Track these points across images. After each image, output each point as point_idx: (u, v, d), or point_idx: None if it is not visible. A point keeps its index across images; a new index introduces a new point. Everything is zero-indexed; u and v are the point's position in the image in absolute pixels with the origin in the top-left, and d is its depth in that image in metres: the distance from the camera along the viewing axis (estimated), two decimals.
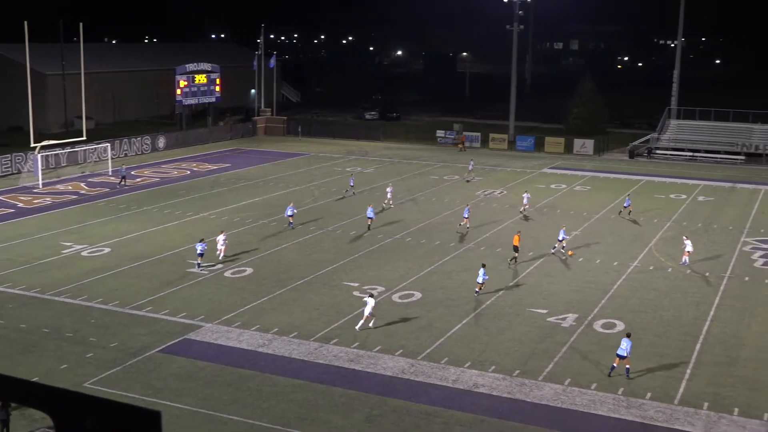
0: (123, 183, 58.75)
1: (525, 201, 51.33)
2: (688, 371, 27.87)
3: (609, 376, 27.18)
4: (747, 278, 38.71)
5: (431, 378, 27.17)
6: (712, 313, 33.83)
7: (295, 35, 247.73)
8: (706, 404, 25.45)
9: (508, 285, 37.09)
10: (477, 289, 35.19)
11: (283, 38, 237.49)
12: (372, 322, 31.32)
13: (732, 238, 46.37)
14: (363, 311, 31.52)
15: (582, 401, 25.59)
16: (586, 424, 24.19)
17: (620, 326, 31.97)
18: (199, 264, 38.53)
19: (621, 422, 24.34)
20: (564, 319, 32.78)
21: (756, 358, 29.14)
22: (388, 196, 53.29)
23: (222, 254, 39.78)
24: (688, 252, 40.00)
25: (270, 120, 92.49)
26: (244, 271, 38.64)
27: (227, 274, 38.24)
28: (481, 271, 35.05)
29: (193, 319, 32.23)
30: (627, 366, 27.18)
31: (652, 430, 23.86)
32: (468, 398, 25.76)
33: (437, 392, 26.14)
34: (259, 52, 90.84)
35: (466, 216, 46.84)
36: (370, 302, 31.31)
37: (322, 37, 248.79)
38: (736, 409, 25.10)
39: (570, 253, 41.41)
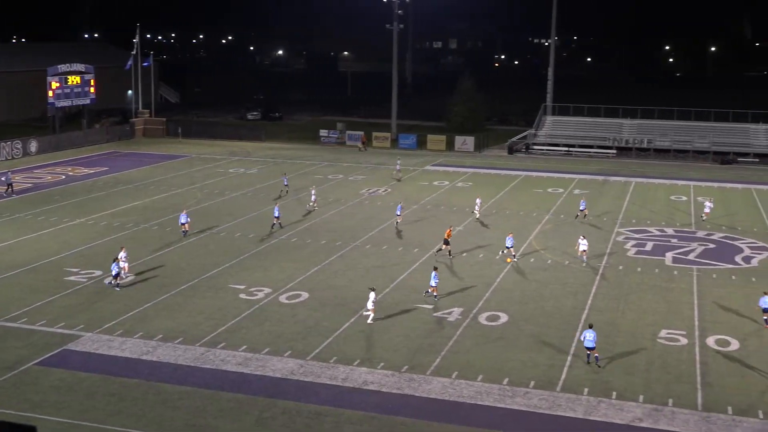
0: (9, 190, 55.50)
1: (477, 206, 50.59)
2: (569, 359, 28.84)
3: (588, 363, 28.07)
4: (621, 267, 40.38)
5: (321, 378, 27.13)
6: (589, 302, 35.13)
7: (173, 35, 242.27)
8: (586, 390, 26.40)
9: (394, 282, 37.42)
10: (430, 291, 34.63)
11: (160, 38, 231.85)
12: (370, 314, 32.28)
13: (606, 229, 48.28)
14: (367, 305, 32.28)
15: (469, 393, 26.09)
16: (473, 415, 24.69)
17: (504, 318, 32.78)
18: (117, 285, 35.76)
19: (507, 411, 24.96)
20: (450, 313, 33.34)
21: (631, 343, 30.42)
22: (312, 198, 52.58)
23: (126, 272, 37.07)
24: (584, 251, 40.62)
25: (149, 121, 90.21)
26: (126, 277, 37.52)
27: (107, 281, 37.04)
28: (433, 273, 34.73)
29: (72, 329, 31.08)
30: (596, 354, 28.03)
31: (536, 418, 24.58)
32: (358, 396, 25.86)
33: (327, 392, 26.13)
34: (135, 52, 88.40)
35: (399, 213, 47.94)
36: (372, 296, 32.13)
37: (201, 36, 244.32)
38: (614, 393, 26.15)
39: (508, 260, 40.75)
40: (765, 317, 32.03)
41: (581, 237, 41.61)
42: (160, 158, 73.61)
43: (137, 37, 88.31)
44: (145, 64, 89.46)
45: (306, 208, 52.02)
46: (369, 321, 32.05)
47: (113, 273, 35.82)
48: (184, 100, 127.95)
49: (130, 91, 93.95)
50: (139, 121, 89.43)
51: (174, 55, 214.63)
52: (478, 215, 50.28)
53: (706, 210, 50.43)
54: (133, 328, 31.25)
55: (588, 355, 28.22)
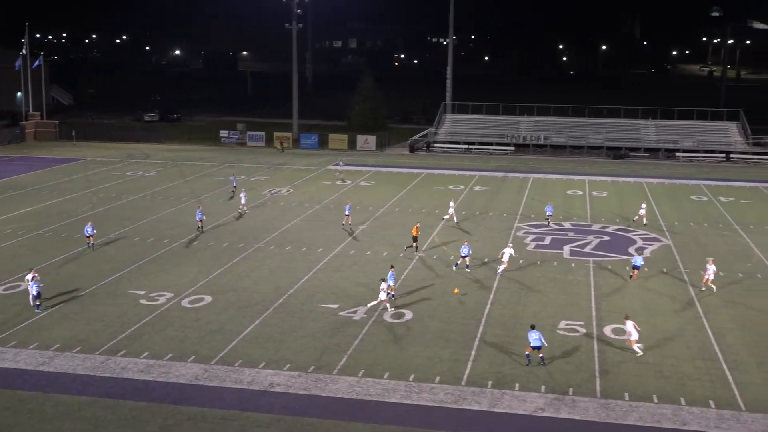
0: None
1: (451, 210, 49.11)
2: (473, 353, 29.30)
3: (527, 365, 28.13)
4: (522, 261, 41.28)
5: (226, 382, 26.76)
6: (491, 296, 35.77)
7: (64, 35, 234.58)
8: (490, 382, 26.88)
9: (299, 282, 37.24)
10: (390, 292, 34.12)
11: (50, 37, 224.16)
12: (381, 305, 33.38)
13: (506, 225, 49.28)
14: (379, 296, 33.05)
15: (376, 391, 26.20)
16: (380, 412, 24.80)
17: (409, 315, 33.02)
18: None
19: (413, 407, 25.16)
20: (355, 312, 33.39)
21: None
22: (243, 201, 51.18)
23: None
24: (506, 262, 38.87)
25: (40, 124, 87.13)
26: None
27: (35, 303, 35.53)
28: (390, 273, 34.49)
29: None
30: (541, 355, 28.24)
31: (442, 412, 24.88)
32: (264, 398, 25.62)
33: (233, 395, 25.79)
34: (24, 52, 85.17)
35: (347, 213, 47.44)
36: (384, 285, 33.11)
37: (94, 36, 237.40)
38: (517, 384, 26.71)
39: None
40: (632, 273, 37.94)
41: (508, 246, 40.21)
42: (52, 162, 71.18)
43: (26, 36, 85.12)
44: (35, 65, 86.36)
45: (238, 212, 50.89)
46: (390, 309, 33.32)
47: (34, 293, 32.86)
48: (77, 101, 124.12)
49: (19, 93, 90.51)
50: (30, 124, 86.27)
51: (66, 55, 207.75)
52: (455, 220, 48.80)
53: (641, 212, 49.56)
54: (28, 339, 30.11)
55: (528, 355, 28.39)
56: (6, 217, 49.52)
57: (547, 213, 49.49)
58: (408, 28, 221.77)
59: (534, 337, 28.18)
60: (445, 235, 46.37)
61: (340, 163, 67.50)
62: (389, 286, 34.13)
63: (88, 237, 42.63)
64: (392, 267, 35.68)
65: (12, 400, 25.27)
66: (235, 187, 57.99)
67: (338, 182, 62.75)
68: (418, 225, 43.83)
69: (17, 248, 42.53)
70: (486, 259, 41.32)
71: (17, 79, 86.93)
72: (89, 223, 43.43)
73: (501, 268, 38.72)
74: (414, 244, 42.20)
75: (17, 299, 34.40)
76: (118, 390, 26.03)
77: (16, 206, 52.63)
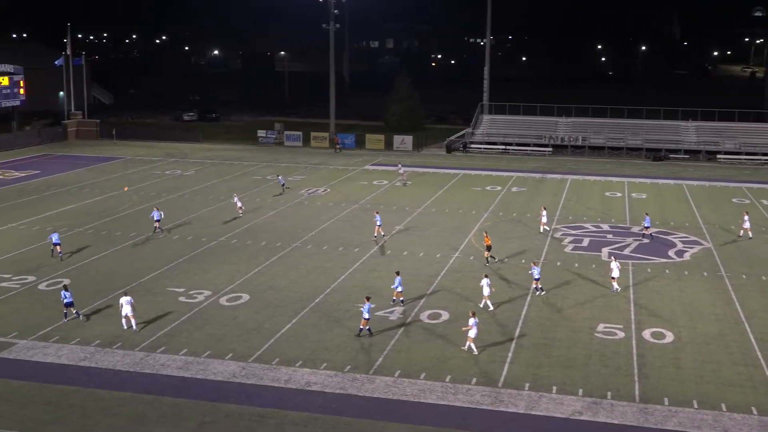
0: None
1: (543, 218, 47.37)
2: (510, 354, 29.17)
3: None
4: (559, 263, 40.99)
5: (263, 380, 26.94)
6: (528, 298, 35.56)
7: (105, 35, 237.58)
8: (527, 385, 26.75)
9: (335, 282, 37.36)
10: (394, 298, 34.22)
11: (92, 38, 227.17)
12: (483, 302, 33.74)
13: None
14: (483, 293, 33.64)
15: (412, 391, 26.20)
16: (417, 413, 24.79)
17: (445, 316, 32.99)
18: (77, 312, 32.75)
19: (449, 408, 25.12)
20: (392, 312, 33.41)
21: (569, 338, 30.92)
22: (238, 204, 50.83)
23: (134, 322, 31.52)
24: (535, 280, 36.96)
25: (82, 123, 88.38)
26: (60, 282, 36.69)
27: (42, 286, 36.20)
28: (397, 279, 34.23)
29: (6, 337, 30.27)
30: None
31: (479, 414, 24.80)
32: (301, 397, 25.75)
33: (270, 394, 25.95)
34: (67, 53, 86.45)
35: (379, 223, 45.10)
36: (485, 281, 33.76)
37: (134, 36, 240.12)
38: (555, 387, 26.54)
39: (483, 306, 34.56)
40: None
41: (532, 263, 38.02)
42: (93, 161, 72.18)
43: (68, 36, 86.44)
44: (76, 62, 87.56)
45: (237, 214, 50.63)
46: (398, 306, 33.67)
47: (66, 301, 31.91)
48: (118, 101, 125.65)
49: (61, 93, 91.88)
50: (72, 122, 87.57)
51: (107, 55, 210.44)
52: (547, 227, 47.33)
53: (745, 225, 46.60)
54: (70, 335, 30.58)
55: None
56: (48, 215, 50.32)
57: (645, 224, 46.64)
58: (445, 28, 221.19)
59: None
60: (482, 237, 46.12)
61: (401, 167, 65.47)
62: (396, 291, 34.08)
63: (156, 222, 45.40)
64: (397, 273, 35.05)
65: (55, 394, 25.68)
66: (283, 185, 58.80)
67: (397, 184, 61.69)
68: (486, 233, 42.12)
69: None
70: (523, 260, 41.09)
71: (60, 78, 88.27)
72: (155, 209, 46.41)
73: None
74: (487, 254, 40.54)
75: (59, 295, 34.92)
76: (157, 386, 26.33)
77: (58, 204, 53.45)
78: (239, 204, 50.93)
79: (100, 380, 26.76)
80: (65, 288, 32.69)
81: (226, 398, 25.57)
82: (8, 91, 79.46)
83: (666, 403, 25.50)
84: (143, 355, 28.82)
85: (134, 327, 31.15)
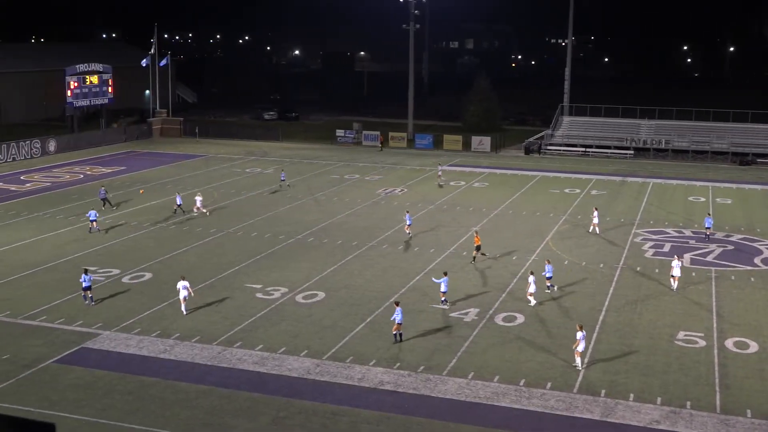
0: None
1: (595, 219, 46.99)
2: (586, 360, 28.71)
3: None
4: (639, 268, 40.16)
5: (337, 377, 27.15)
6: (606, 303, 34.95)
7: (190, 35, 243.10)
8: (603, 391, 26.28)
9: (410, 282, 37.39)
10: (443, 298, 34.03)
11: (177, 38, 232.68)
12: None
13: (624, 230, 48.01)
14: (528, 289, 34.02)
15: (485, 394, 26.04)
16: (490, 416, 24.63)
17: (521, 319, 32.68)
18: (91, 297, 33.78)
19: (523, 412, 24.88)
20: (466, 314, 33.28)
21: (648, 345, 30.25)
22: (198, 204, 50.15)
23: (184, 306, 33.06)
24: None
25: (166, 121, 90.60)
26: (143, 276, 37.71)
27: (125, 279, 37.25)
28: (444, 279, 33.94)
29: (91, 327, 31.27)
30: (396, 331, 29.77)
31: (553, 419, 24.49)
32: (374, 396, 25.85)
33: (343, 391, 26.14)
34: (153, 52, 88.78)
35: (409, 223, 45.28)
36: (531, 279, 33.91)
37: (218, 36, 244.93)
38: (632, 395, 26.01)
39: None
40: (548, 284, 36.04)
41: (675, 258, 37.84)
42: (176, 158, 73.91)
43: (155, 36, 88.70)
44: (161, 63, 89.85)
45: (201, 212, 50.02)
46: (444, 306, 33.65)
47: (182, 296, 32.73)
48: (201, 99, 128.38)
49: (147, 91, 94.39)
50: (157, 120, 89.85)
51: (191, 54, 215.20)
52: (597, 230, 46.69)
53: (707, 225, 45.85)
54: (150, 327, 31.40)
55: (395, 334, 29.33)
56: (132, 210, 51.74)
57: (706, 225, 45.83)
58: (525, 28, 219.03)
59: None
60: (559, 240, 45.55)
61: (440, 168, 65.16)
62: (442, 292, 33.81)
63: (177, 205, 49.04)
64: (445, 273, 34.70)
65: (136, 385, 26.40)
66: (283, 180, 59.70)
67: (439, 185, 61.49)
68: (476, 233, 42.13)
69: (142, 240, 44.38)
70: (602, 265, 40.40)
71: (146, 77, 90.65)
72: (177, 193, 50.52)
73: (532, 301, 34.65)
74: (476, 253, 40.35)
75: (141, 288, 35.91)
76: (233, 381, 26.80)
77: (142, 199, 54.89)
78: (199, 203, 49.99)
79: (178, 372, 27.39)
80: (85, 271, 33.84)
81: (300, 394, 25.87)
82: (97, 89, 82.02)
83: (749, 415, 24.72)
84: (221, 349, 29.37)
85: (184, 312, 32.52)
